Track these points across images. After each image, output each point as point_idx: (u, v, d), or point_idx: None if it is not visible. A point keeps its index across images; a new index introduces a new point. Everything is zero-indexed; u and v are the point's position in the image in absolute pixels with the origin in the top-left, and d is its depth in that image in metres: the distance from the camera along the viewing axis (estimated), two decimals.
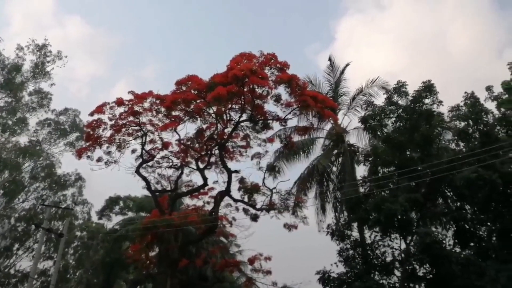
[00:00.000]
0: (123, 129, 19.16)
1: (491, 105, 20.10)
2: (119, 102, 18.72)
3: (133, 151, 19.75)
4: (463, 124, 20.25)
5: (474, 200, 19.24)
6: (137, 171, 19.24)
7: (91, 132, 19.06)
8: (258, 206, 18.91)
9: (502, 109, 19.64)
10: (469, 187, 18.15)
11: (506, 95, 19.45)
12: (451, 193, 20.86)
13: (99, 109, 18.80)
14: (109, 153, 19.22)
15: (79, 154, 19.34)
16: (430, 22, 71.18)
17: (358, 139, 24.59)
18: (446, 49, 67.70)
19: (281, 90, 17.05)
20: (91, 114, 18.87)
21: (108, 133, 19.03)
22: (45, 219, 20.87)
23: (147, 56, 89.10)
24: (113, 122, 18.99)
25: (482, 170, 17.52)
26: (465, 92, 20.40)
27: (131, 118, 19.00)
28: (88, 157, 19.03)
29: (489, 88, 20.20)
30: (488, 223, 19.15)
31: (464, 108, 20.21)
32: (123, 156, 19.39)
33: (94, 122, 18.94)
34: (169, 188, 20.88)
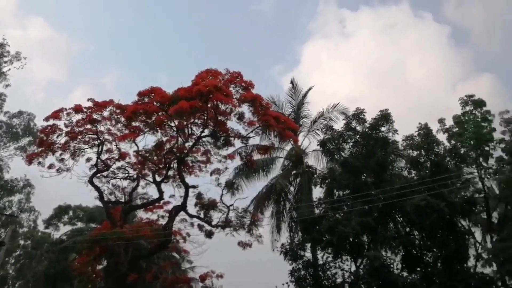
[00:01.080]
0: (79, 137, 18.59)
1: (442, 137, 21.31)
2: (77, 108, 18.18)
3: (88, 159, 19.17)
4: (415, 153, 21.22)
5: (422, 227, 20.07)
6: (91, 181, 18.64)
7: (45, 138, 18.33)
8: (213, 223, 18.72)
9: (453, 141, 20.78)
10: (418, 214, 18.96)
11: (457, 128, 20.60)
12: (402, 218, 21.66)
13: (55, 115, 18.15)
14: (62, 160, 18.56)
15: (30, 159, 18.51)
16: (391, 53, 74.89)
17: (317, 161, 25.12)
18: (405, 80, 71.22)
19: (245, 108, 17.25)
20: (47, 119, 18.21)
21: (63, 139, 18.44)
22: None
23: (108, 65, 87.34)
24: (69, 128, 18.39)
25: (431, 198, 18.38)
26: (419, 123, 21.49)
27: (88, 126, 18.48)
28: (39, 163, 18.27)
29: (441, 121, 21.36)
30: (434, 250, 19.99)
31: (417, 138, 21.21)
32: (76, 164, 18.81)
33: (49, 128, 18.26)
34: (123, 200, 20.27)
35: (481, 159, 20.23)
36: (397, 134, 21.76)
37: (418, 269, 20.10)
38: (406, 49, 73.56)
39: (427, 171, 20.49)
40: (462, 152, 20.59)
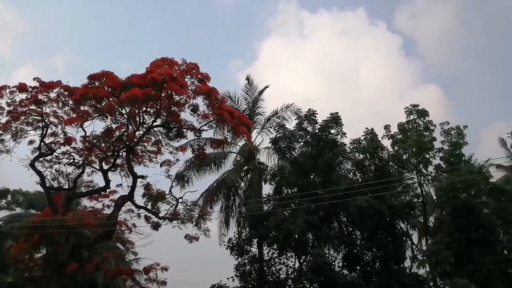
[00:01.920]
0: (22, 117, 17.69)
1: (387, 143, 22.26)
2: (22, 87, 17.29)
3: (31, 142, 18.19)
4: (361, 156, 22.07)
5: (364, 227, 20.99)
6: (32, 164, 17.79)
7: None
8: (161, 215, 18.47)
9: (396, 148, 21.80)
10: (361, 215, 19.81)
11: (400, 136, 21.61)
12: (345, 218, 22.53)
13: None
14: (1, 141, 17.61)
15: None
16: (346, 58, 76.85)
17: (268, 158, 25.50)
18: (358, 84, 73.58)
19: (200, 101, 17.11)
20: None
21: (3, 119, 17.48)
22: None
23: (60, 47, 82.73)
24: (11, 108, 17.47)
25: (373, 200, 19.23)
26: (366, 128, 22.36)
27: (33, 107, 17.63)
28: None
29: (387, 127, 22.32)
30: (374, 250, 20.94)
31: (364, 142, 22.05)
32: (18, 147, 17.84)
33: None
34: (66, 187, 19.50)
35: (421, 166, 21.31)
36: (346, 137, 22.58)
37: (358, 267, 20.98)
38: (360, 55, 75.90)
39: (371, 174, 21.38)
40: (404, 158, 21.65)
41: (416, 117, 21.74)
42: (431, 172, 21.64)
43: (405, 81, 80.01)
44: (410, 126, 21.69)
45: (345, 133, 22.34)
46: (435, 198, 23.28)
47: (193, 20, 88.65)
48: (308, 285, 20.56)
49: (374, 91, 73.53)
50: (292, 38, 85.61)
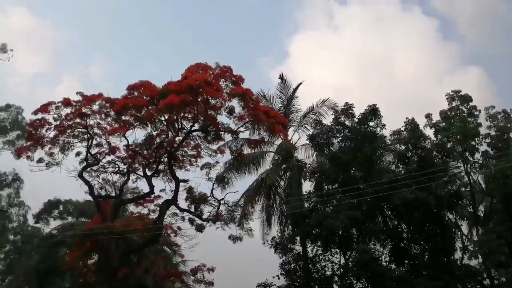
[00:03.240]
0: (69, 131, 18.46)
1: (429, 132, 21.59)
2: (66, 102, 18.07)
3: (78, 154, 18.99)
4: (403, 147, 21.52)
5: (410, 220, 20.47)
6: (80, 175, 18.55)
7: (34, 132, 18.23)
8: (204, 217, 18.80)
9: (439, 136, 21.10)
10: (406, 208, 19.33)
11: (443, 123, 20.89)
12: (390, 212, 22.00)
13: (44, 108, 18.03)
14: (51, 154, 18.41)
15: (19, 153, 18.39)
16: (379, 46, 74.88)
17: (306, 155, 25.29)
18: (393, 72, 71.63)
19: (235, 103, 17.27)
20: (35, 112, 18.10)
21: (52, 133, 18.29)
22: None
23: (94, 54, 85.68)
24: (58, 122, 18.28)
25: (418, 192, 18.71)
26: (406, 118, 21.78)
27: (77, 120, 18.37)
28: (28, 157, 18.12)
29: (428, 116, 21.64)
30: (422, 242, 20.39)
31: (404, 132, 21.49)
32: (66, 159, 18.64)
33: (38, 122, 18.16)
34: (113, 194, 20.24)
35: (467, 153, 20.59)
36: (385, 128, 22.09)
37: (406, 261, 20.49)
38: (394, 42, 73.81)
39: (414, 165, 20.81)
40: (448, 146, 20.94)
41: (458, 103, 20.96)
42: (478, 160, 20.82)
43: (443, 65, 77.11)
44: (453, 113, 20.92)
45: (384, 125, 21.89)
46: (484, 186, 22.39)
47: (220, 17, 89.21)
48: (355, 281, 20.31)
49: (411, 78, 71.41)
50: (322, 31, 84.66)
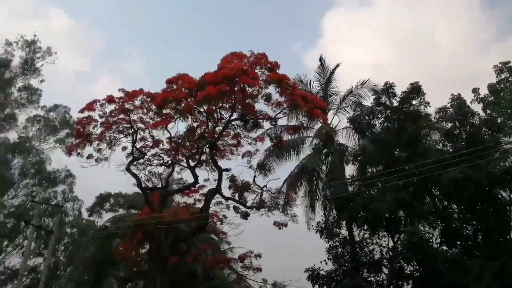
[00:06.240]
0: (114, 127, 19.14)
1: (477, 107, 20.55)
2: (110, 99, 18.75)
3: (124, 148, 19.70)
4: (449, 125, 20.61)
5: (460, 200, 19.61)
6: (128, 169, 19.27)
7: (82, 129, 19.03)
8: (248, 204, 19.00)
9: (488, 111, 20.03)
10: (455, 187, 18.53)
11: (492, 98, 19.80)
12: (438, 192, 21.21)
13: (90, 106, 18.81)
14: (99, 150, 19.19)
15: (69, 151, 19.35)
16: (416, 19, 71.40)
17: (347, 138, 24.90)
18: (433, 45, 68.22)
19: (272, 89, 17.20)
20: (81, 111, 18.92)
21: (98, 130, 19.05)
22: (35, 216, 20.73)
23: (132, 52, 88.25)
24: (103, 119, 19.00)
25: (468, 170, 17.86)
26: (452, 94, 20.81)
27: (121, 116, 19.01)
28: (78, 154, 18.98)
29: (475, 90, 20.62)
30: (474, 222, 19.56)
31: (450, 109, 20.56)
32: (113, 154, 19.38)
33: (84, 119, 18.94)
34: (159, 186, 20.90)
35: None
36: (429, 106, 21.21)
37: (458, 242, 19.77)
38: (433, 13, 70.26)
39: (462, 143, 19.89)
40: (499, 121, 19.84)
41: (508, 75, 19.75)
42: None
43: (488, 34, 72.68)
44: (502, 86, 19.77)
45: (428, 103, 21.02)
46: None
47: (250, 8, 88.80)
48: (405, 264, 19.88)
49: (453, 51, 67.85)
50: (354, 8, 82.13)
